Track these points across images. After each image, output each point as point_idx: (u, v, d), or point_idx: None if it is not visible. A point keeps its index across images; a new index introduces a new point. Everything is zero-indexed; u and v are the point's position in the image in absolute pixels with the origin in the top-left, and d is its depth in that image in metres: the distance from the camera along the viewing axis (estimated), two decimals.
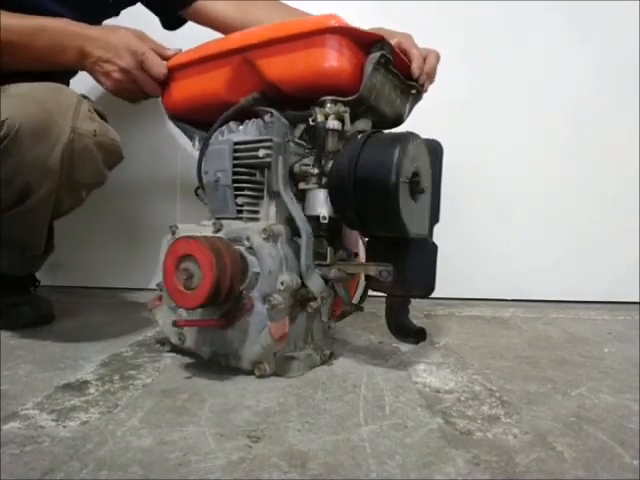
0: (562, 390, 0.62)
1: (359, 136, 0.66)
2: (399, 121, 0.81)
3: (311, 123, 0.68)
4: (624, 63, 1.27)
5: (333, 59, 0.65)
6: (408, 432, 0.49)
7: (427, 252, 0.70)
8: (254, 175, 0.70)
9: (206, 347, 0.69)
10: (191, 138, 0.83)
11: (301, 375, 0.66)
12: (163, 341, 0.76)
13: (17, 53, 0.78)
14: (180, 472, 0.41)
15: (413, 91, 0.78)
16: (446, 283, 1.28)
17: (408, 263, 0.66)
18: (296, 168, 0.69)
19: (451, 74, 1.26)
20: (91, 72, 0.82)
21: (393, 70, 0.71)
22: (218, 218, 0.72)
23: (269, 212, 0.71)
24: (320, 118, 0.66)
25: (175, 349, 0.75)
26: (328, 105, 0.67)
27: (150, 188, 1.36)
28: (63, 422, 0.50)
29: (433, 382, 0.64)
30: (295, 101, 0.71)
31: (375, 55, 0.66)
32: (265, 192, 0.71)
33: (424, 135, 0.76)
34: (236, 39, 0.73)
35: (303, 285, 0.66)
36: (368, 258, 0.70)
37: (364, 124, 0.73)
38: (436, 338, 0.88)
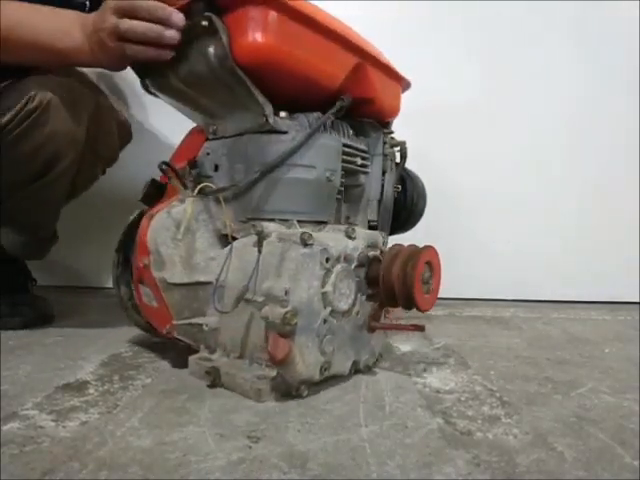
0: (562, 390, 0.62)
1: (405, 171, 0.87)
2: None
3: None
4: (625, 63, 1.27)
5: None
6: (408, 432, 0.49)
7: None
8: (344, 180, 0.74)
9: (348, 362, 0.64)
10: (263, 110, 0.63)
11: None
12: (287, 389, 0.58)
13: (16, 42, 0.71)
14: (180, 472, 0.41)
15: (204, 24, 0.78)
16: (446, 283, 1.29)
17: None
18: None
19: (452, 75, 1.27)
20: (93, 52, 0.69)
21: None
22: (299, 221, 0.65)
23: (336, 217, 0.75)
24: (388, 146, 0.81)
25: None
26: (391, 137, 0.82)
27: None
28: (63, 422, 0.50)
29: (433, 382, 0.64)
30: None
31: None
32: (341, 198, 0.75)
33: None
34: (359, 41, 0.70)
35: None
36: None
37: None
38: (436, 338, 0.88)
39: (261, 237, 0.59)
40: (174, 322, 0.63)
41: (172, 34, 0.63)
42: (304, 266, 0.57)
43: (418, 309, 0.61)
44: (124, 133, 0.97)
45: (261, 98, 0.62)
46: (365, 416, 0.53)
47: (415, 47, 1.21)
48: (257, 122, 0.64)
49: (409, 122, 1.25)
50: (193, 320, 0.63)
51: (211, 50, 0.60)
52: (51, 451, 0.44)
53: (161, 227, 0.63)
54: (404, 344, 0.82)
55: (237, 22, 0.59)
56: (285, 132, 0.64)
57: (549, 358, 0.77)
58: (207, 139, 0.70)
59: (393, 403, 0.57)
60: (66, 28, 0.70)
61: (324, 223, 0.69)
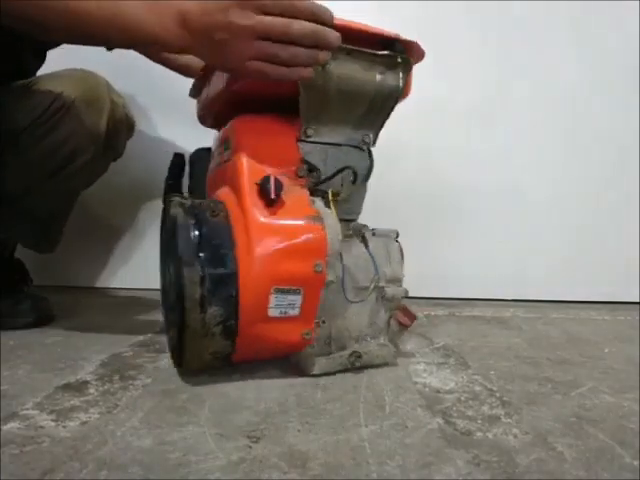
0: (562, 390, 0.62)
1: None
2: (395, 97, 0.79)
3: None
4: (624, 63, 1.27)
5: None
6: (408, 432, 0.49)
7: None
8: None
9: None
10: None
11: None
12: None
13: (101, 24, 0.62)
14: (180, 472, 0.41)
15: (401, 61, 0.72)
16: (446, 283, 1.29)
17: None
18: None
19: (451, 75, 1.27)
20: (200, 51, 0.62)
21: None
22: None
23: None
24: None
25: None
26: None
27: (148, 188, 1.36)
28: (63, 422, 0.50)
29: (433, 382, 0.64)
30: None
31: None
32: None
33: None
34: None
35: None
36: None
37: None
38: (436, 338, 0.88)
39: (365, 235, 0.73)
40: (322, 319, 0.65)
41: (325, 56, 0.60)
42: (401, 255, 0.75)
43: None
44: (130, 128, 1.00)
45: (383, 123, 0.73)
46: (365, 416, 0.53)
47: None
48: (359, 139, 0.73)
49: (409, 121, 1.26)
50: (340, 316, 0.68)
51: (390, 80, 0.69)
52: (51, 451, 0.44)
53: (338, 229, 0.64)
54: (404, 344, 0.82)
55: None
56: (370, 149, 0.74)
57: (549, 358, 0.77)
58: (299, 140, 0.70)
59: (393, 403, 0.57)
60: (159, 17, 0.60)
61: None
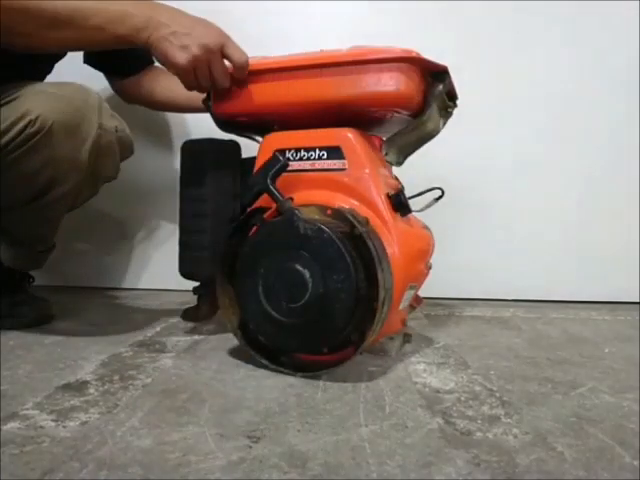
0: (562, 390, 0.62)
1: None
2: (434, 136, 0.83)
3: None
4: (624, 63, 1.27)
5: None
6: (408, 432, 0.49)
7: None
8: None
9: None
10: None
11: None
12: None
13: (77, 23, 0.71)
14: (180, 472, 0.41)
15: (450, 110, 0.80)
16: (446, 283, 1.29)
17: None
18: None
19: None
20: (157, 46, 0.72)
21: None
22: None
23: None
24: None
25: None
26: None
27: (150, 188, 1.36)
28: (63, 422, 0.50)
29: (433, 382, 0.64)
30: None
31: None
32: None
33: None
34: None
35: None
36: None
37: None
38: (436, 338, 0.88)
39: None
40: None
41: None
42: None
43: None
44: (125, 150, 0.94)
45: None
46: (365, 416, 0.53)
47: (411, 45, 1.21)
48: (398, 160, 0.81)
49: None
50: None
51: (439, 121, 0.77)
52: (51, 451, 0.44)
53: None
54: (405, 344, 0.82)
55: None
56: None
57: (549, 358, 0.77)
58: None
59: (393, 403, 0.57)
60: (130, 12, 0.71)
61: None
